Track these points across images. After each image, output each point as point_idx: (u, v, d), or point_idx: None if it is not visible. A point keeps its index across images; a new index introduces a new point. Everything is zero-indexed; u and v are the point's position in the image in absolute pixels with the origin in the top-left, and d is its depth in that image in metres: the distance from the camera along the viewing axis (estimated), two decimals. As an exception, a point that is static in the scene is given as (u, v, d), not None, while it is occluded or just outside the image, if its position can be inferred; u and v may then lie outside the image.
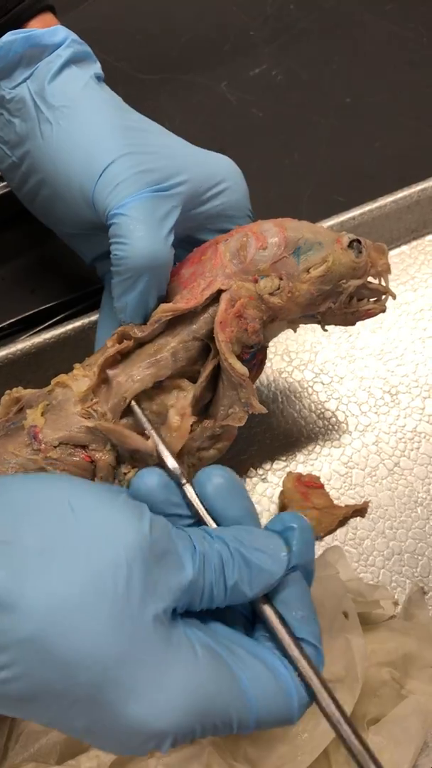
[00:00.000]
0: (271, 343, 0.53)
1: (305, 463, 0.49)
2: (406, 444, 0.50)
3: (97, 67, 0.44)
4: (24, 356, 0.48)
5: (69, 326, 0.48)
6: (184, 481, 0.32)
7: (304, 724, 0.35)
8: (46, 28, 0.42)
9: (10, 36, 0.41)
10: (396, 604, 0.45)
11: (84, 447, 0.37)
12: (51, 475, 0.34)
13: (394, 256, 0.57)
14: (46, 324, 0.51)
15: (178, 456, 0.38)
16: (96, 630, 0.26)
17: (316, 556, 0.38)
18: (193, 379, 0.39)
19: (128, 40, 0.69)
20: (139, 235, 0.37)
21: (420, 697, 0.39)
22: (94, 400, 0.38)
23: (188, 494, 0.32)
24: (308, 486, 0.47)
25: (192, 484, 0.32)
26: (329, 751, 0.39)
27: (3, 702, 0.27)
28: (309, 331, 0.54)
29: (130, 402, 0.37)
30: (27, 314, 0.52)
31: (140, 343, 0.39)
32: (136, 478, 0.31)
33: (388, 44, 0.69)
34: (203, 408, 0.40)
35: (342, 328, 0.54)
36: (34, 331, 0.51)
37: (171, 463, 0.34)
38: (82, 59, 0.43)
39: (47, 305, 0.52)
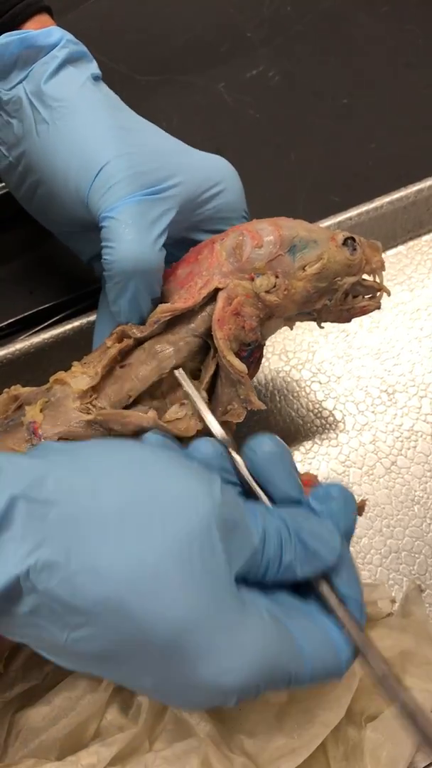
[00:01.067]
0: (268, 343, 0.54)
1: (303, 461, 0.50)
2: (403, 443, 0.50)
3: (93, 67, 0.44)
4: (23, 356, 0.48)
5: (68, 326, 0.49)
6: (233, 450, 0.33)
7: (300, 716, 0.36)
8: (41, 29, 0.43)
9: (5, 38, 0.42)
10: (393, 601, 0.45)
11: None
12: (127, 440, 0.35)
13: (391, 256, 0.58)
14: (45, 324, 0.52)
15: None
16: (174, 594, 0.27)
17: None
18: (193, 375, 0.39)
19: (126, 42, 0.69)
20: (128, 239, 0.38)
21: (417, 694, 0.40)
22: (93, 396, 0.38)
23: (238, 464, 0.33)
24: (306, 485, 0.47)
25: (240, 453, 0.33)
26: (327, 748, 0.39)
27: (77, 659, 0.28)
28: (306, 331, 0.54)
29: (169, 373, 0.38)
30: (25, 314, 0.52)
31: (139, 342, 0.39)
32: (190, 449, 0.33)
33: (383, 46, 0.69)
34: None
35: (339, 327, 0.54)
36: (33, 331, 0.51)
37: (219, 431, 0.35)
38: (78, 59, 0.43)
39: (46, 305, 0.53)
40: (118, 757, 0.34)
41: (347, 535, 0.33)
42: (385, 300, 0.55)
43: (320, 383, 0.53)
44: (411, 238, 0.58)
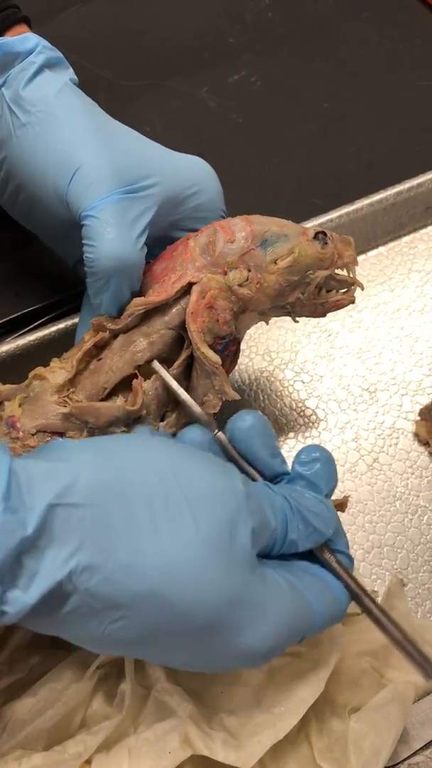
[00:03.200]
0: (252, 343, 0.55)
1: (286, 459, 0.50)
2: (384, 440, 0.51)
3: (70, 73, 0.45)
4: (8, 358, 0.49)
5: (53, 328, 0.50)
6: (216, 430, 0.35)
7: (279, 694, 0.37)
8: (17, 36, 0.43)
9: None
10: (375, 594, 0.46)
11: (61, 434, 0.38)
12: (152, 437, 0.36)
13: (372, 257, 0.59)
14: (31, 326, 0.52)
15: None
16: (210, 581, 0.30)
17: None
18: (169, 366, 0.41)
19: (110, 48, 0.70)
20: (109, 238, 0.39)
21: (399, 685, 0.41)
22: (71, 390, 0.39)
23: (225, 444, 0.35)
24: (289, 482, 0.48)
25: (225, 432, 0.36)
26: (312, 740, 0.40)
27: (112, 645, 0.30)
28: (289, 332, 0.55)
29: (140, 367, 0.40)
30: (11, 317, 0.53)
31: (115, 335, 0.40)
32: (181, 437, 0.35)
33: (364, 51, 0.71)
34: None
35: (321, 328, 0.55)
36: (19, 333, 0.52)
37: (201, 414, 0.37)
38: (55, 65, 0.44)
39: (31, 308, 0.53)
40: (104, 745, 0.34)
41: (330, 487, 0.37)
42: (366, 300, 0.57)
43: (303, 382, 0.54)
44: (391, 240, 0.59)
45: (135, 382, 0.39)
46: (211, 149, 0.64)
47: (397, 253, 0.59)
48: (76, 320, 0.49)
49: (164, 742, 0.33)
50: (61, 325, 0.50)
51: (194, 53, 0.70)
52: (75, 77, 0.45)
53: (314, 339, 0.55)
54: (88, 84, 0.46)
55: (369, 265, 0.59)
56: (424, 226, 0.60)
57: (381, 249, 0.59)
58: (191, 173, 0.43)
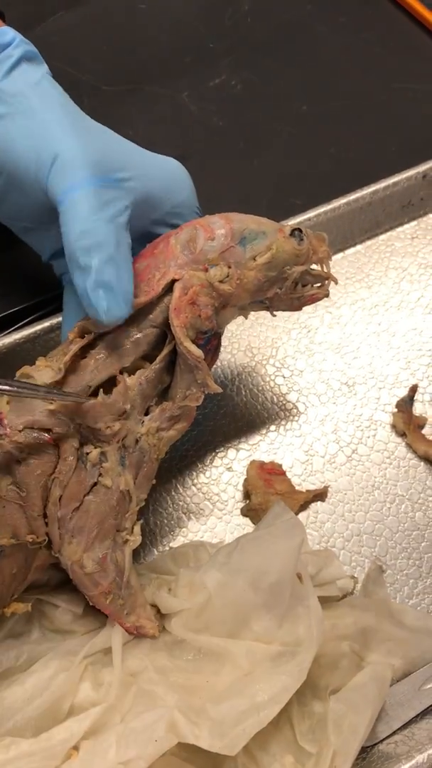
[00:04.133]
0: (234, 340, 0.56)
1: (268, 452, 0.51)
2: (363, 432, 0.52)
3: (46, 68, 0.45)
4: (-5, 356, 0.49)
5: (38, 327, 0.50)
6: None
7: (262, 683, 0.37)
8: None
9: None
10: (356, 582, 0.47)
11: (48, 430, 0.39)
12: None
13: (350, 255, 0.60)
14: (14, 327, 0.53)
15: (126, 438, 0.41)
16: None
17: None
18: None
19: (93, 53, 0.71)
20: (83, 215, 0.38)
21: (377, 666, 0.41)
22: (58, 388, 0.39)
23: None
24: (271, 473, 0.49)
25: None
26: (294, 723, 0.40)
27: None
28: (270, 329, 0.56)
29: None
30: (-4, 317, 0.54)
31: (100, 335, 0.41)
32: None
33: (341, 54, 0.72)
34: (162, 392, 0.42)
35: (301, 324, 0.56)
36: (4, 333, 0.52)
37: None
38: (32, 58, 0.44)
39: (15, 309, 0.54)
40: (91, 731, 0.35)
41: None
42: (344, 297, 0.58)
43: (284, 377, 0.54)
44: (368, 238, 0.60)
45: (119, 377, 0.40)
46: (193, 152, 0.65)
47: (374, 251, 0.60)
48: (60, 318, 0.50)
49: (151, 730, 0.34)
50: (46, 324, 0.50)
51: (175, 58, 0.71)
52: (50, 72, 0.45)
53: (294, 335, 0.56)
54: (71, 89, 0.46)
55: (347, 263, 0.59)
56: (401, 224, 0.61)
57: (359, 247, 0.60)
58: (166, 172, 0.44)
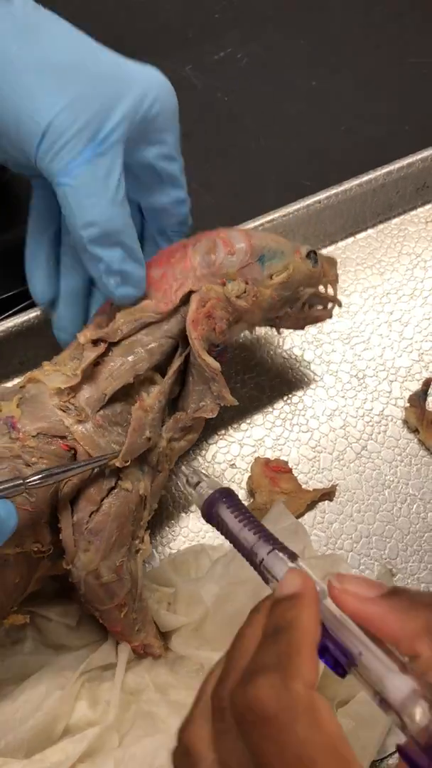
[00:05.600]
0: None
1: (273, 448, 0.48)
2: (373, 427, 0.49)
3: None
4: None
5: (32, 314, 0.47)
6: None
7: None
8: None
9: None
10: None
11: (62, 437, 0.37)
12: None
13: (360, 240, 0.56)
14: (7, 313, 0.50)
15: (149, 450, 0.39)
16: None
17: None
18: (164, 373, 0.40)
19: (94, 25, 0.65)
20: (88, 203, 0.37)
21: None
22: (71, 395, 0.38)
23: None
24: (276, 471, 0.46)
25: None
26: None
27: None
28: (276, 316, 0.53)
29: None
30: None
31: (114, 343, 0.39)
32: None
33: (353, 28, 0.68)
34: (172, 402, 0.41)
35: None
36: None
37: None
38: None
39: (7, 294, 0.51)
40: (87, 754, 0.32)
41: None
42: (354, 284, 0.55)
43: (291, 369, 0.51)
44: (380, 222, 0.57)
45: (134, 409, 0.38)
46: (197, 129, 0.61)
47: (387, 235, 0.57)
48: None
49: (152, 757, 0.31)
50: (40, 311, 0.47)
51: (178, 31, 0.67)
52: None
53: (302, 324, 0.53)
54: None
55: (358, 248, 0.56)
56: (414, 207, 0.57)
57: (370, 231, 0.57)
58: (148, 85, 0.40)
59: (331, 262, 0.45)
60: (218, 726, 0.24)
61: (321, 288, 0.44)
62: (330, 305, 0.46)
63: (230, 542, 0.30)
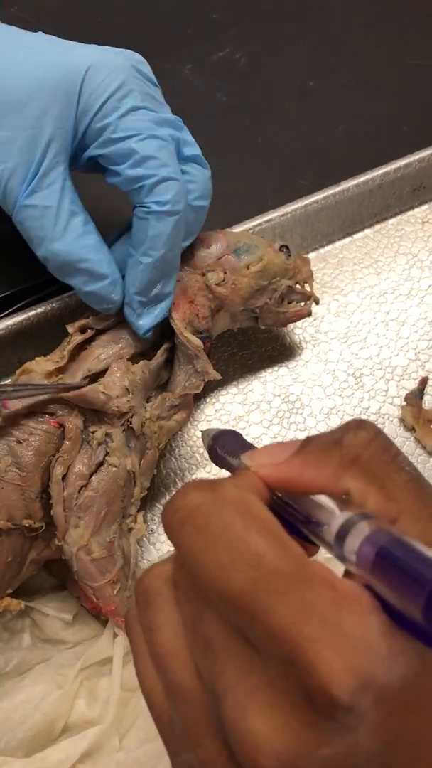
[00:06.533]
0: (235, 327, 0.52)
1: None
2: (370, 426, 0.49)
3: None
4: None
5: (31, 312, 0.46)
6: None
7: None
8: None
9: None
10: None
11: (52, 414, 0.38)
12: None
13: (358, 239, 0.56)
14: (5, 313, 0.49)
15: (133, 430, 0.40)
16: None
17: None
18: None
19: (91, 24, 0.66)
20: (47, 239, 0.37)
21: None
22: (59, 377, 0.39)
23: None
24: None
25: None
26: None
27: None
28: (274, 315, 0.53)
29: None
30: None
31: (102, 331, 0.41)
32: None
33: (352, 27, 0.67)
34: (160, 388, 0.43)
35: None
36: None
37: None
38: None
39: (4, 294, 0.50)
40: (87, 753, 0.32)
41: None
42: (351, 284, 0.54)
43: (288, 368, 0.51)
44: (377, 222, 0.56)
45: (119, 362, 0.39)
46: (195, 129, 0.61)
47: (384, 235, 0.56)
48: (52, 306, 0.46)
49: (155, 763, 0.31)
50: (39, 309, 0.46)
51: (177, 29, 0.66)
52: None
53: (299, 323, 0.52)
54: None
55: (355, 248, 0.56)
56: (411, 208, 0.57)
57: (367, 231, 0.56)
58: (69, 80, 0.37)
59: (305, 260, 0.46)
60: (176, 557, 0.22)
61: (298, 286, 0.46)
62: (308, 302, 0.47)
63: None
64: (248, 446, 0.27)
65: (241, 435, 0.28)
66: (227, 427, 0.49)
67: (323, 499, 0.22)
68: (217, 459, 0.28)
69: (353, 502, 0.22)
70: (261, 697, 0.19)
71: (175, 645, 0.21)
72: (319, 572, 0.19)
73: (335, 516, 0.21)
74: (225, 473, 0.27)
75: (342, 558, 0.20)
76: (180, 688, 0.21)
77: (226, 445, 0.27)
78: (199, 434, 0.48)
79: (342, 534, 0.20)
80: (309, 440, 0.23)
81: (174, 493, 0.22)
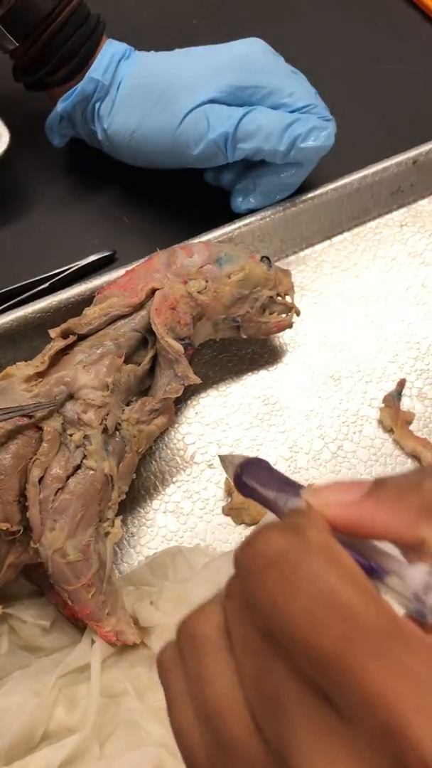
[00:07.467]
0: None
1: (251, 448, 0.48)
2: (349, 427, 0.49)
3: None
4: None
5: (12, 316, 0.46)
6: None
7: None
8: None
9: None
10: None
11: (30, 416, 0.38)
12: None
13: (336, 243, 0.56)
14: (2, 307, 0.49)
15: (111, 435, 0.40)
16: None
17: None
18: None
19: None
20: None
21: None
22: (38, 381, 0.39)
23: None
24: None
25: None
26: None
27: None
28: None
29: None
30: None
31: (83, 336, 0.41)
32: None
33: (330, 33, 0.67)
34: (142, 393, 0.43)
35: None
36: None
37: None
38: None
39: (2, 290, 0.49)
40: (67, 761, 0.31)
41: None
42: (330, 287, 0.54)
43: (268, 370, 0.51)
44: (356, 225, 0.56)
45: (108, 359, 0.39)
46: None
47: (362, 238, 0.56)
48: (41, 305, 0.46)
49: None
50: (29, 309, 0.46)
51: (155, 34, 0.66)
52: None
53: (279, 326, 0.52)
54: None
55: (334, 251, 0.56)
56: (389, 211, 0.57)
57: (346, 235, 0.56)
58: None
59: (286, 272, 0.47)
60: (230, 604, 0.19)
61: (279, 297, 0.46)
62: (289, 313, 0.47)
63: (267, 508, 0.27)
64: (283, 478, 0.25)
65: (268, 463, 0.27)
66: (210, 430, 0.48)
67: (387, 546, 0.21)
68: (244, 489, 0.26)
69: (428, 553, 0.20)
70: (342, 767, 0.16)
71: (232, 699, 0.19)
72: (415, 632, 0.18)
73: (406, 566, 0.20)
74: (215, 484, 0.26)
75: (421, 613, 0.19)
76: (236, 747, 0.18)
77: (257, 476, 0.26)
78: (179, 437, 0.48)
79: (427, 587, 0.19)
80: (383, 481, 0.21)
81: (250, 534, 0.20)
